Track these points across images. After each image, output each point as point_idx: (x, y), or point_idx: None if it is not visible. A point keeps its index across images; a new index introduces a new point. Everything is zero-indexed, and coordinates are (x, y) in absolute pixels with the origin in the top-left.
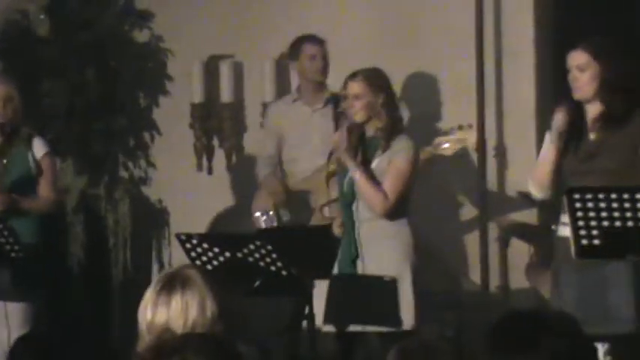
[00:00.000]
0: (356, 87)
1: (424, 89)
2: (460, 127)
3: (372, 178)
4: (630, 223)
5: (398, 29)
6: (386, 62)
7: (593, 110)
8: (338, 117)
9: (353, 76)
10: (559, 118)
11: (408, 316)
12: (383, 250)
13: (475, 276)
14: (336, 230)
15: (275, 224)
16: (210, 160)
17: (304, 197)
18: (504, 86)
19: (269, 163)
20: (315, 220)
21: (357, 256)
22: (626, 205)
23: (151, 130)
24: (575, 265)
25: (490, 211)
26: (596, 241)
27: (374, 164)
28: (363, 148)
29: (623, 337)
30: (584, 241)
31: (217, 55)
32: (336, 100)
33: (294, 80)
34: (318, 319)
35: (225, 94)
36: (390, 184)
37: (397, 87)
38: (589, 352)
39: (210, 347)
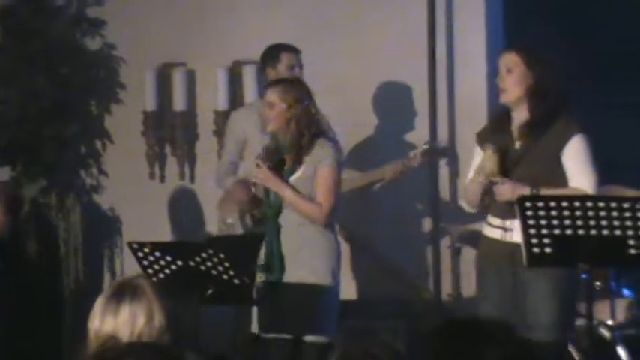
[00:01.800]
0: (269, 95)
1: (376, 97)
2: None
3: (302, 194)
4: (581, 232)
5: (348, 37)
6: (335, 69)
7: (519, 117)
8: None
9: (269, 84)
10: (487, 163)
11: (331, 325)
12: (306, 258)
13: (427, 284)
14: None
15: (240, 231)
16: (162, 168)
17: None
18: (456, 94)
19: (231, 169)
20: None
21: (281, 265)
22: (577, 213)
23: (103, 138)
24: (495, 267)
25: (442, 219)
26: (547, 249)
27: (298, 174)
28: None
29: (539, 344)
30: (536, 249)
31: (170, 63)
32: None
33: (249, 86)
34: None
35: (178, 103)
36: (323, 193)
37: (351, 93)
38: (529, 358)
39: (153, 356)
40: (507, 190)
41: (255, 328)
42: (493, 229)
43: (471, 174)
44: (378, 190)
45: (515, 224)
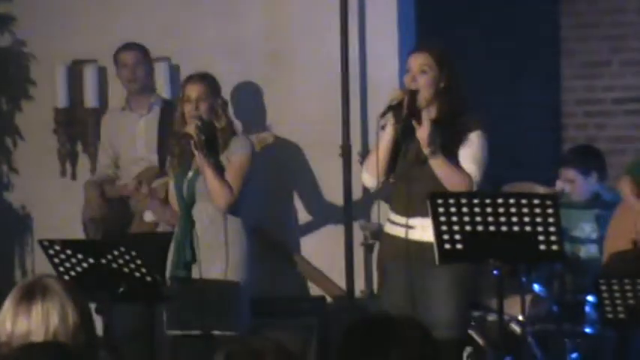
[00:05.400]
0: (197, 90)
1: (289, 96)
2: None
3: (220, 173)
4: (492, 228)
5: (261, 35)
6: (249, 68)
7: (426, 116)
8: (163, 121)
9: (190, 79)
10: (394, 92)
11: (244, 319)
12: (222, 254)
13: (340, 281)
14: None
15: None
16: (74, 165)
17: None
18: (369, 92)
19: (104, 173)
20: (136, 226)
21: (193, 261)
22: (488, 209)
23: (14, 134)
24: (396, 265)
25: (355, 215)
26: (458, 246)
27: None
28: (210, 145)
29: (441, 342)
30: (447, 246)
31: (81, 59)
32: (163, 104)
33: (163, 84)
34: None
35: (90, 99)
36: (232, 178)
37: (264, 96)
38: (436, 358)
39: (48, 357)
40: (423, 130)
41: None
42: (396, 226)
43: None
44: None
45: (418, 222)
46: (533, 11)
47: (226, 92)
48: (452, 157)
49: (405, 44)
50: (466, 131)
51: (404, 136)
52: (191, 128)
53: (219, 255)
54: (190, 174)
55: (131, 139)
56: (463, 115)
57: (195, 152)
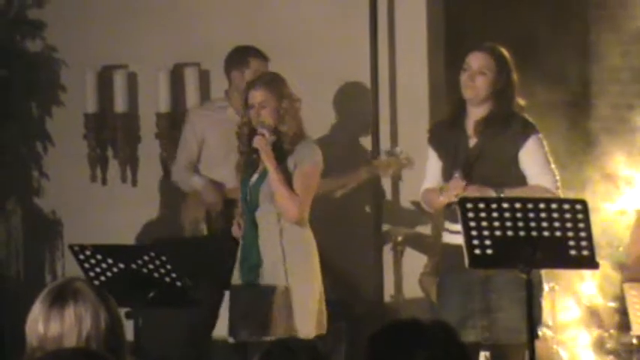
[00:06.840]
0: (259, 95)
1: (317, 96)
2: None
3: (289, 184)
4: (522, 233)
5: (291, 37)
6: (278, 67)
7: (475, 113)
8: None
9: (253, 85)
10: (458, 185)
11: (309, 324)
12: (286, 257)
13: (370, 286)
14: (235, 232)
15: (204, 231)
16: (104, 170)
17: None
18: (398, 94)
19: (191, 168)
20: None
21: (259, 265)
22: (518, 214)
23: (44, 140)
24: (460, 273)
25: (385, 220)
26: (489, 251)
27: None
28: (275, 151)
29: (505, 346)
30: (477, 251)
31: (111, 65)
32: None
33: (191, 89)
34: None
35: (119, 105)
36: (301, 189)
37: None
38: None
39: None
40: (474, 193)
41: (220, 331)
42: (454, 235)
43: (427, 181)
44: (338, 196)
45: None
46: (563, 13)
47: None
48: (511, 160)
49: (433, 45)
50: (524, 136)
51: (452, 142)
52: (257, 141)
53: (283, 258)
54: (255, 177)
55: (229, 138)
56: (515, 116)
57: (266, 165)
